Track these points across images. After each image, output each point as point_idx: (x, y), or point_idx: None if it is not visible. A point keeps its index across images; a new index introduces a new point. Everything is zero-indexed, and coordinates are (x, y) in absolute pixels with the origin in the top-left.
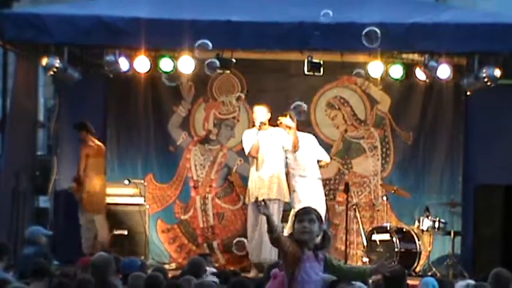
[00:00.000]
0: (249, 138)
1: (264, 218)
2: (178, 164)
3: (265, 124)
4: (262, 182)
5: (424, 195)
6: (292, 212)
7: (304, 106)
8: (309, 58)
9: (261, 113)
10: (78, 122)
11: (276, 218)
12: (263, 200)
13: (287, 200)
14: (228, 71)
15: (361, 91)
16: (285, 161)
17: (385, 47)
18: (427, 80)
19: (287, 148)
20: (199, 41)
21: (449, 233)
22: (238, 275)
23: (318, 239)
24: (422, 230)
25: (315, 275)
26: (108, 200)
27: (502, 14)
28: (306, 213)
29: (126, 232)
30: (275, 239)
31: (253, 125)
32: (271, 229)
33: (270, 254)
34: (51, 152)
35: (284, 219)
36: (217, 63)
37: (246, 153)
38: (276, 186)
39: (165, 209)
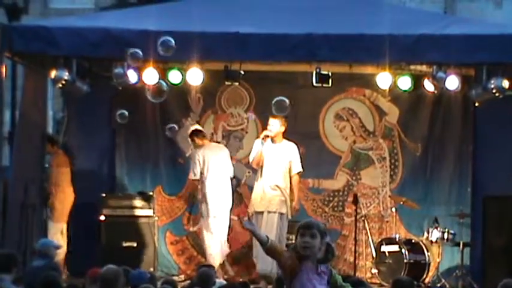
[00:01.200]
0: (256, 148)
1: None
2: (187, 176)
3: (269, 137)
4: (264, 194)
5: (432, 206)
6: None
7: (286, 101)
8: (317, 70)
9: (273, 124)
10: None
11: (276, 231)
12: (248, 217)
13: (289, 216)
14: (237, 83)
15: (370, 102)
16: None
17: (394, 58)
18: (436, 91)
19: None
20: (131, 50)
21: (458, 244)
22: (247, 287)
23: (321, 253)
24: (431, 241)
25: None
26: (118, 212)
27: (510, 25)
28: (307, 228)
29: (135, 244)
30: (267, 250)
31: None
32: (260, 242)
33: (274, 265)
34: None
35: (289, 231)
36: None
37: (250, 161)
38: (278, 199)
39: (174, 221)
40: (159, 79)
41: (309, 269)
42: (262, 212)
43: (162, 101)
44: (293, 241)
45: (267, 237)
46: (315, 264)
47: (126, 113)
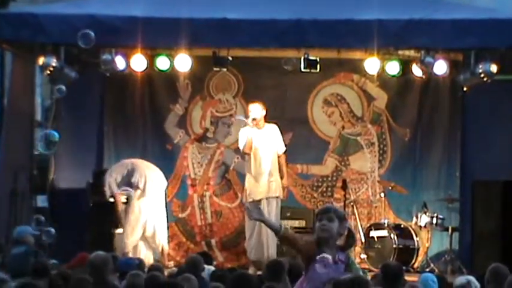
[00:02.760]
0: (244, 135)
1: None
2: (175, 162)
3: (257, 120)
4: (261, 181)
5: (421, 191)
6: None
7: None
8: (306, 55)
9: (255, 110)
10: None
11: (275, 215)
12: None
13: (282, 197)
14: (225, 69)
15: (358, 88)
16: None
17: (382, 44)
18: (424, 76)
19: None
20: (82, 31)
21: (447, 229)
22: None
23: (342, 239)
24: (420, 226)
25: (326, 276)
26: (106, 198)
27: (498, 10)
28: (325, 212)
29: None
30: (281, 238)
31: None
32: (273, 230)
33: (267, 251)
34: None
35: (281, 216)
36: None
37: (241, 150)
38: (275, 184)
39: None
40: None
41: (326, 257)
42: (260, 200)
43: (151, 87)
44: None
45: (280, 225)
46: (333, 251)
47: (64, 87)
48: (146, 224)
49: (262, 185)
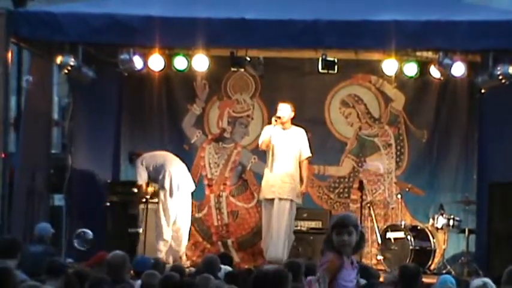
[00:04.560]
0: (265, 132)
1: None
2: (192, 162)
3: (280, 119)
4: (275, 180)
5: (438, 193)
6: None
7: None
8: (323, 56)
9: (284, 109)
10: None
11: (287, 218)
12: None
13: (299, 202)
14: (242, 70)
15: (376, 89)
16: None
17: (400, 45)
18: (442, 78)
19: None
20: None
21: (463, 231)
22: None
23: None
24: (437, 228)
25: (350, 282)
26: (123, 198)
27: None
28: (344, 226)
29: (140, 230)
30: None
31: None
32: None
33: (283, 251)
34: (65, 150)
35: (297, 217)
36: None
37: (259, 144)
38: (288, 186)
39: None
40: None
41: (347, 264)
42: (272, 199)
43: (168, 87)
44: (299, 228)
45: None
46: (349, 258)
47: (31, 78)
48: (174, 225)
49: (275, 184)
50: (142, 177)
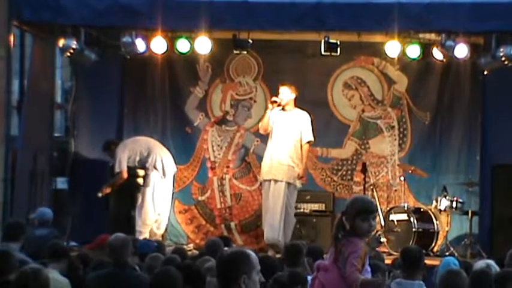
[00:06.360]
0: (265, 116)
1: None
2: (195, 145)
3: (276, 102)
4: (272, 162)
5: (441, 175)
6: None
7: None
8: (326, 38)
9: (283, 92)
10: None
11: (282, 200)
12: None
13: (297, 184)
14: (245, 52)
15: (378, 71)
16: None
17: (402, 27)
18: (444, 60)
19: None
20: None
21: (466, 213)
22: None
23: None
24: (440, 210)
25: (368, 267)
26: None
27: None
28: (371, 212)
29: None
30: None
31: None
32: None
33: (279, 233)
34: (68, 133)
35: (300, 199)
36: None
37: (259, 127)
38: (285, 168)
39: (182, 190)
40: None
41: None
42: (270, 180)
43: (171, 70)
44: (302, 210)
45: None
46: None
47: None
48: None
49: (273, 166)
50: (121, 165)
